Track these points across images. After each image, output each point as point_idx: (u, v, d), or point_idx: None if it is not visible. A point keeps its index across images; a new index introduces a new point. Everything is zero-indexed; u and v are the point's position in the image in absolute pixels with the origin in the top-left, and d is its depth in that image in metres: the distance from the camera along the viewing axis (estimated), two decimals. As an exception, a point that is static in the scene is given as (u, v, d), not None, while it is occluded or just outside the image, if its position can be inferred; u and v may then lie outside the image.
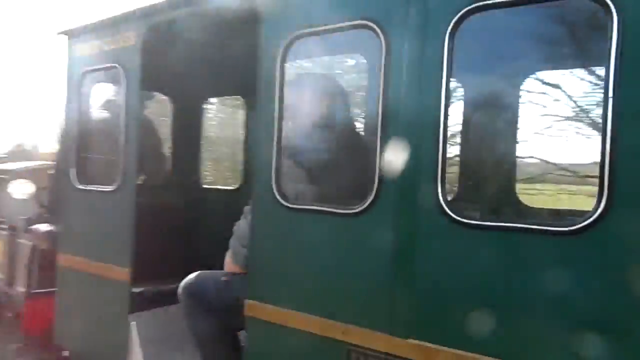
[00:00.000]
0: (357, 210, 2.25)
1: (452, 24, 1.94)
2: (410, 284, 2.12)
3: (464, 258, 1.99)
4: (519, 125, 3.54)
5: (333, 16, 2.33)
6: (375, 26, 2.17)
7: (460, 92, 3.41)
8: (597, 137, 1.80)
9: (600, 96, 1.73)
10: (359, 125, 2.62)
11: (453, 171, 2.70)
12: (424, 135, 2.05)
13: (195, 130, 5.11)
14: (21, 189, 5.24)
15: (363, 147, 2.45)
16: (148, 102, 4.97)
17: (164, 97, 5.22)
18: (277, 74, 2.57)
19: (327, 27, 2.40)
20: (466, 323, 1.93)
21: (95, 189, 3.76)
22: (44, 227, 4.54)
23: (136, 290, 3.37)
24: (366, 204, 2.20)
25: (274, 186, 2.55)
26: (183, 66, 3.77)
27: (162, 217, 3.92)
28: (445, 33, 1.94)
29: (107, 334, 3.57)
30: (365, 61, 2.81)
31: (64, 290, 3.99)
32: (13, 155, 7.53)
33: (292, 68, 2.67)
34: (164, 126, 5.36)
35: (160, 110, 5.81)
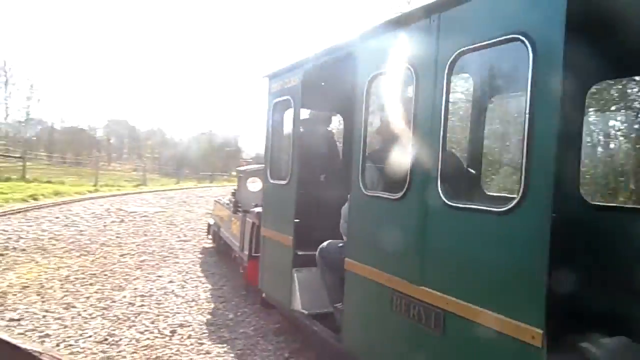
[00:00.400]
0: (397, 197, 3.31)
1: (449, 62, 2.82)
2: (422, 248, 3.06)
3: (451, 229, 2.87)
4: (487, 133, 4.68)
5: (392, 64, 3.47)
6: (411, 68, 3.20)
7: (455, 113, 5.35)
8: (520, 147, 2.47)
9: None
10: (405, 139, 3.42)
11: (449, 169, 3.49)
12: (432, 146, 2.97)
13: None
14: (254, 185, 7.17)
15: (404, 154, 3.35)
16: (332, 119, 6.80)
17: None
18: (364, 100, 3.75)
19: (388, 70, 3.55)
20: (453, 275, 2.84)
21: (277, 182, 5.43)
22: (257, 209, 6.25)
23: (299, 253, 4.88)
24: (402, 193, 3.25)
25: (359, 178, 3.75)
26: (344, 92, 4.81)
27: (326, 204, 5.01)
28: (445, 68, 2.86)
29: (281, 282, 5.13)
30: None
31: (263, 252, 5.81)
32: (257, 160, 9.69)
33: (372, 97, 3.79)
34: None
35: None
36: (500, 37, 2.49)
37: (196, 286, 7.45)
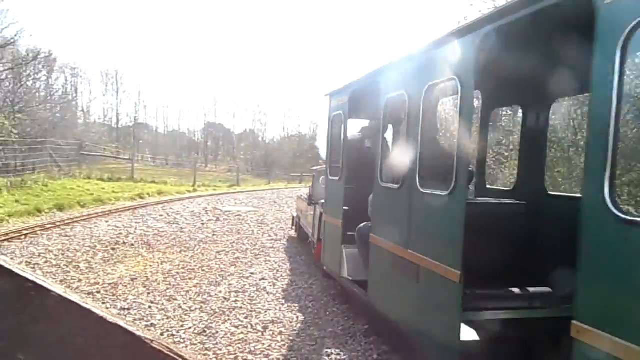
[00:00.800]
0: (397, 187, 4.73)
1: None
2: (408, 222, 4.45)
3: (422, 207, 4.28)
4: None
5: (396, 90, 5.02)
6: (405, 94, 4.72)
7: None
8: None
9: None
10: (403, 145, 4.86)
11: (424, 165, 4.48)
12: (415, 149, 4.39)
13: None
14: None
15: (403, 155, 4.61)
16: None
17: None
18: (382, 116, 5.34)
19: (395, 94, 5.06)
20: (422, 240, 4.22)
21: (333, 179, 6.98)
22: (323, 201, 7.76)
23: (347, 233, 6.27)
24: (400, 184, 4.65)
25: (378, 173, 5.20)
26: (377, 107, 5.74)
27: (362, 195, 6.17)
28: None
29: (334, 256, 6.68)
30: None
31: (324, 234, 7.45)
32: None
33: (387, 113, 5.38)
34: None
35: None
36: (446, 78, 4.03)
37: (286, 284, 7.67)
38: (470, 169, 5.18)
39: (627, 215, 2.37)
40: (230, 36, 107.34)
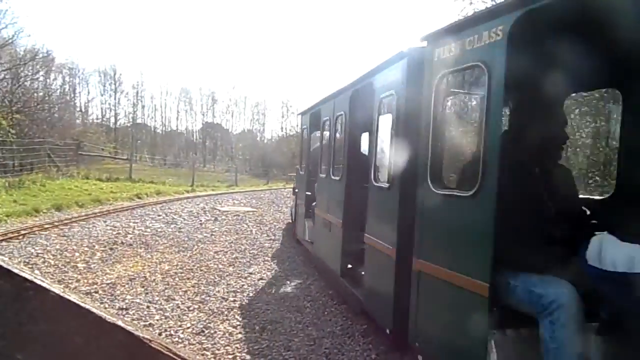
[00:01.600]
0: (324, 176, 7.97)
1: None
2: (327, 198, 7.64)
3: (332, 188, 7.29)
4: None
5: (326, 116, 8.23)
6: (328, 118, 8.09)
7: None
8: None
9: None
10: (330, 148, 7.96)
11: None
12: (333, 151, 7.66)
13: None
14: None
15: (330, 156, 7.84)
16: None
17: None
18: (321, 131, 8.95)
19: (328, 118, 8.16)
20: (330, 206, 7.43)
21: (301, 173, 10.52)
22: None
23: (309, 210, 9.29)
24: (325, 174, 7.87)
25: (319, 168, 8.50)
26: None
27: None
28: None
29: (301, 226, 9.98)
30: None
31: (296, 213, 11.07)
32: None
33: (325, 129, 8.54)
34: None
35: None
36: (342, 112, 6.89)
37: (285, 284, 7.67)
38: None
39: (378, 184, 5.15)
40: (229, 36, 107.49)
